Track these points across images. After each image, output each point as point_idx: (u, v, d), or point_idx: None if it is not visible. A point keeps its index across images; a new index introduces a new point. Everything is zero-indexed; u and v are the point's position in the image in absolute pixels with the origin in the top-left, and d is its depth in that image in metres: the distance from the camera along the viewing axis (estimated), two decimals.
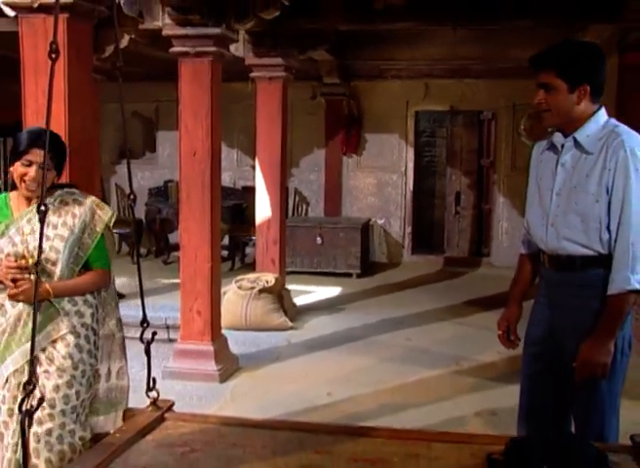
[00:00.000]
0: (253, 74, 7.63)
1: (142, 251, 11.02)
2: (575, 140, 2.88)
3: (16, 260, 2.88)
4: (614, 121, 2.90)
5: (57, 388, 2.97)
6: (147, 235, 11.18)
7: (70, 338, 3.02)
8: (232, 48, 6.44)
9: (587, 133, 2.86)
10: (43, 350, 2.98)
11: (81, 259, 3.06)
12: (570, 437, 2.89)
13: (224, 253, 9.71)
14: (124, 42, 6.42)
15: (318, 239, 10.00)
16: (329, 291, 9.18)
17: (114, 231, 11.10)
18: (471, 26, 7.77)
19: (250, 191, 9.52)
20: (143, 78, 9.82)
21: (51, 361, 2.99)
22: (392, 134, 11.11)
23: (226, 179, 10.80)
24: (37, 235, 2.60)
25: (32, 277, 2.79)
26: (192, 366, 5.80)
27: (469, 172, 11.27)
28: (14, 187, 3.07)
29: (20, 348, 2.96)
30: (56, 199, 3.04)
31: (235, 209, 10.81)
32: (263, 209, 7.81)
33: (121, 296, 7.95)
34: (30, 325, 2.71)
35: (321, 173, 11.39)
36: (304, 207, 11.52)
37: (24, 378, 2.58)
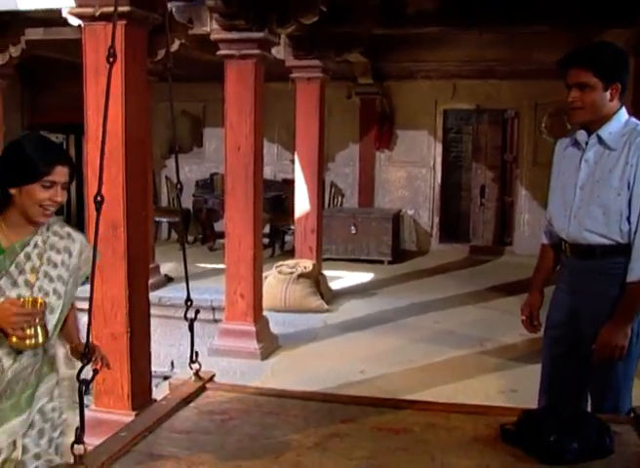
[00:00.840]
0: (292, 75, 7.66)
1: (190, 238, 11.13)
2: (599, 137, 2.87)
3: (23, 304, 2.22)
4: (634, 119, 2.90)
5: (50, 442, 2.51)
6: (194, 224, 11.27)
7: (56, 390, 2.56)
8: (274, 51, 6.47)
9: (610, 130, 2.85)
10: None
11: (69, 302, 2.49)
12: (578, 410, 2.90)
13: (266, 240, 9.74)
14: (175, 46, 6.51)
15: (352, 228, 10.01)
16: (362, 276, 9.20)
17: (164, 220, 11.26)
18: (495, 30, 7.73)
19: (289, 183, 9.56)
20: (192, 79, 9.90)
21: (43, 416, 2.48)
22: (422, 130, 11.08)
23: (267, 172, 10.86)
24: (41, 274, 2.30)
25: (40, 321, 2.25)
26: (236, 344, 5.86)
27: (493, 166, 11.20)
28: None
29: (19, 417, 2.36)
30: (50, 230, 2.43)
31: (275, 200, 10.85)
32: (302, 200, 7.85)
33: (170, 280, 8.14)
34: (30, 390, 2.38)
35: (355, 166, 11.39)
36: (340, 198, 11.53)
37: (16, 454, 2.32)
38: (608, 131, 2.85)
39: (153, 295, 7.10)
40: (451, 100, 10.95)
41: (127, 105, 3.94)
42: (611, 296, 2.86)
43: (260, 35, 5.61)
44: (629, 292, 2.81)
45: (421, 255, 10.96)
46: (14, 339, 2.22)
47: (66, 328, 2.53)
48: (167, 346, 7.24)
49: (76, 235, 2.47)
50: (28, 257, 2.32)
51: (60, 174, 2.28)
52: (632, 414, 2.78)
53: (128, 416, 3.97)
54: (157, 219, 10.37)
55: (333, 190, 11.44)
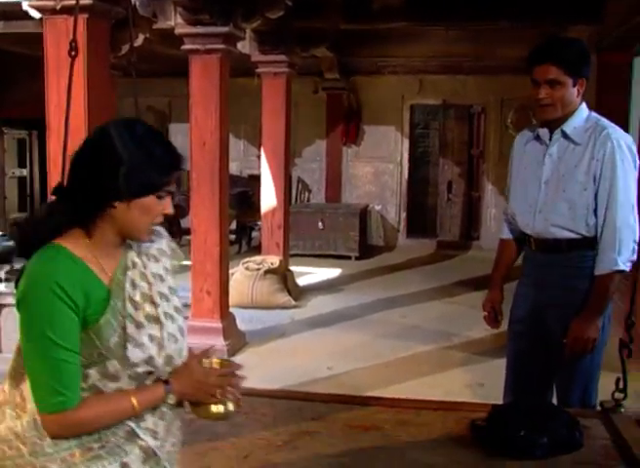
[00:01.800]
0: (258, 70, 7.64)
1: None
2: (563, 132, 2.88)
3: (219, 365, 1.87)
4: (595, 114, 2.91)
5: None
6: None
7: None
8: (239, 45, 6.44)
9: (574, 125, 2.86)
10: None
11: None
12: (547, 405, 2.92)
13: (232, 237, 9.72)
14: (139, 41, 6.42)
15: (319, 224, 10.01)
16: (329, 272, 9.20)
17: None
18: (460, 26, 7.77)
19: (256, 179, 9.52)
20: (157, 74, 9.82)
21: None
22: (389, 126, 11.11)
23: (234, 168, 10.79)
24: (157, 298, 1.74)
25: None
26: (202, 341, 5.79)
27: (460, 161, 11.28)
28: (50, 236, 1.64)
29: None
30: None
31: (242, 196, 10.80)
32: (268, 196, 7.83)
33: None
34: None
35: (322, 162, 11.39)
36: (307, 194, 11.53)
37: None
38: (572, 125, 2.87)
39: None
40: (417, 96, 11.00)
41: (90, 100, 3.89)
42: (578, 289, 2.87)
43: (225, 30, 5.57)
44: (598, 285, 2.83)
45: (389, 251, 10.99)
46: (212, 410, 1.78)
47: None
48: None
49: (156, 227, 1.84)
50: (134, 285, 1.71)
51: (174, 180, 1.76)
52: (600, 409, 2.82)
53: None
54: None
55: (300, 186, 11.43)
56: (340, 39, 8.73)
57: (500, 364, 3.33)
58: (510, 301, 3.20)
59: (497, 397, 3.27)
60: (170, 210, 1.75)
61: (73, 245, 1.63)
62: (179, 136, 11.42)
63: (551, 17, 6.86)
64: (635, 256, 2.81)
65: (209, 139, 5.68)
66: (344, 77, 10.81)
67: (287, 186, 8.13)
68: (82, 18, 3.68)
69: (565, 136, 2.88)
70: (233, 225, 10.06)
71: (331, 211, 10.25)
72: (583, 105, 2.89)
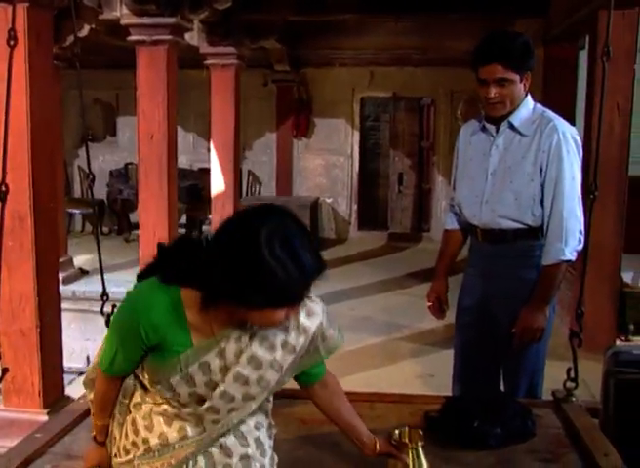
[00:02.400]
0: (207, 62, 7.56)
1: (105, 229, 10.88)
2: (510, 124, 2.91)
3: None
4: (540, 106, 2.95)
5: None
6: (109, 215, 11.04)
7: None
8: (187, 37, 6.36)
9: (521, 116, 2.89)
10: None
11: None
12: (499, 395, 2.95)
13: (182, 231, 9.64)
14: (84, 31, 6.32)
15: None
16: None
17: (77, 212, 10.96)
18: (410, 18, 7.82)
19: (206, 173, 9.43)
20: (104, 66, 9.68)
21: None
22: (339, 118, 11.11)
23: (183, 162, 10.70)
24: (237, 392, 1.80)
25: None
26: None
27: (411, 154, 11.33)
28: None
29: None
30: None
31: (192, 189, 10.70)
32: (218, 189, 7.77)
33: (84, 273, 7.95)
34: None
35: (273, 155, 11.34)
36: (257, 187, 11.48)
37: None
38: (518, 117, 2.90)
39: (66, 289, 6.94)
40: (368, 88, 11.01)
41: (32, 92, 3.78)
42: (525, 279, 2.91)
43: (172, 20, 5.50)
44: (546, 275, 2.86)
45: (340, 243, 11.00)
46: None
47: None
48: (82, 341, 7.07)
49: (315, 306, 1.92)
50: (221, 355, 1.80)
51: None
52: (552, 398, 2.86)
53: (39, 415, 3.86)
54: (70, 211, 10.10)
55: (250, 179, 11.37)
56: (290, 31, 8.71)
57: (451, 354, 3.35)
58: (457, 292, 3.22)
59: (448, 387, 3.29)
60: (290, 315, 1.73)
61: (188, 294, 1.70)
62: (127, 129, 11.30)
63: (499, 10, 6.94)
64: (581, 246, 2.86)
65: (157, 132, 5.59)
66: (295, 69, 10.77)
67: (237, 179, 8.09)
68: (22, 6, 3.58)
69: (512, 127, 2.91)
70: (183, 219, 9.97)
71: (281, 203, 10.20)
72: (529, 97, 2.93)
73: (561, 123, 2.87)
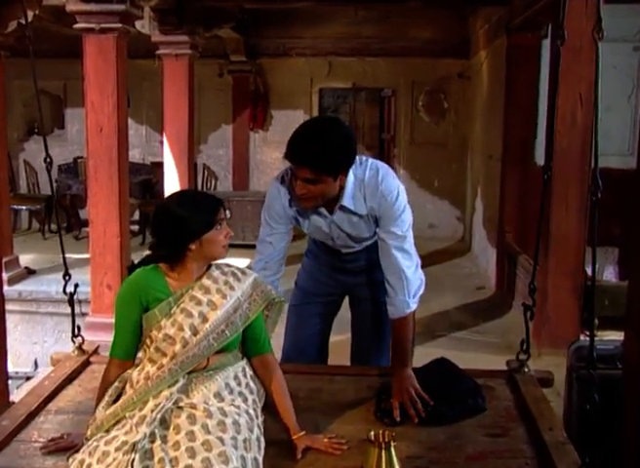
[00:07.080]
0: (159, 51, 7.50)
1: (53, 226, 10.73)
2: (342, 207, 2.89)
3: None
4: (354, 168, 2.85)
5: None
6: (58, 211, 10.88)
7: None
8: (138, 25, 6.30)
9: (349, 196, 2.85)
10: None
11: None
12: (453, 371, 2.89)
13: (135, 227, 9.55)
14: (28, 18, 6.20)
15: (227, 212, 9.91)
16: (238, 262, 9.05)
17: (24, 208, 10.78)
18: (370, 7, 7.83)
19: (159, 166, 9.33)
20: (51, 55, 9.48)
21: None
22: (297, 110, 11.07)
23: (136, 155, 10.61)
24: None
25: None
26: (104, 339, 5.65)
27: (371, 146, 11.38)
28: None
29: None
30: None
31: (145, 184, 10.61)
32: (172, 184, 7.70)
33: (31, 272, 7.83)
34: None
35: (229, 148, 11.29)
36: (213, 181, 11.42)
37: None
38: (347, 198, 2.85)
39: (12, 290, 6.82)
40: (326, 79, 10.99)
41: None
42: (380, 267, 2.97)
43: (121, 7, 5.44)
44: (397, 328, 2.87)
45: (301, 239, 10.96)
46: None
47: None
48: (29, 344, 6.96)
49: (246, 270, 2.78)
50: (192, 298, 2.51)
51: (222, 212, 2.61)
52: (506, 367, 3.01)
53: None
54: (15, 207, 9.93)
55: (205, 173, 11.31)
56: (245, 19, 8.68)
57: None
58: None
59: None
60: (229, 232, 2.63)
61: (162, 267, 2.50)
62: (76, 121, 11.16)
63: None
64: (423, 289, 2.92)
65: (106, 125, 5.54)
66: (251, 59, 10.72)
67: (191, 174, 8.04)
68: None
69: (343, 209, 2.90)
70: (136, 215, 9.88)
71: (238, 198, 10.15)
72: (350, 177, 2.83)
73: (385, 181, 2.87)
